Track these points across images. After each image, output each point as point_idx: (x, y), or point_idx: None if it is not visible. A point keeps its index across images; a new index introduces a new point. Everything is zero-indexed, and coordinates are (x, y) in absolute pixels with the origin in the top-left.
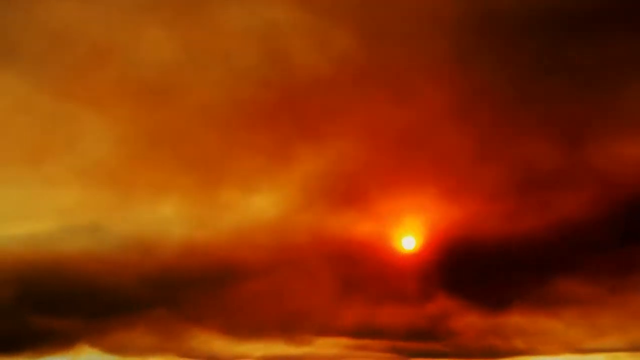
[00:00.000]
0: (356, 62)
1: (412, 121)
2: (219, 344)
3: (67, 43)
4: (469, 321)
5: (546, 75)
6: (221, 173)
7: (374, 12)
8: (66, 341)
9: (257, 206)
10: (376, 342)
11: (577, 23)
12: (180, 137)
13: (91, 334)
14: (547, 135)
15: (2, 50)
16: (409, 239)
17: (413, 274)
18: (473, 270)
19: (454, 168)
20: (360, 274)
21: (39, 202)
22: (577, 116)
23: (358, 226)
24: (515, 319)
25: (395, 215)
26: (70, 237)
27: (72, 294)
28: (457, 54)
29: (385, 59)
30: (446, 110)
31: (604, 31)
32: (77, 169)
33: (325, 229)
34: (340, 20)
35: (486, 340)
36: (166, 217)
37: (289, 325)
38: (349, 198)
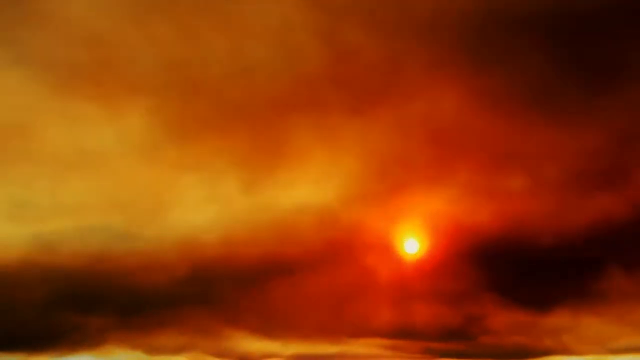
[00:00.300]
0: (368, 59)
1: (435, 117)
2: (250, 342)
3: (75, 40)
4: (503, 321)
5: (569, 71)
6: (244, 170)
7: (386, 8)
8: (97, 338)
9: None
10: (409, 342)
11: (599, 18)
12: (199, 133)
13: (122, 332)
14: (581, 131)
15: (10, 48)
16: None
17: (448, 274)
18: (509, 270)
19: (484, 164)
20: (395, 272)
21: (72, 198)
22: (614, 113)
23: (391, 223)
24: (552, 319)
25: (428, 212)
26: (102, 234)
27: (103, 292)
28: (472, 50)
29: (397, 55)
30: (465, 106)
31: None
32: (106, 166)
33: (360, 225)
34: (352, 17)
35: (520, 340)
36: (201, 213)
37: (321, 324)
38: (378, 195)
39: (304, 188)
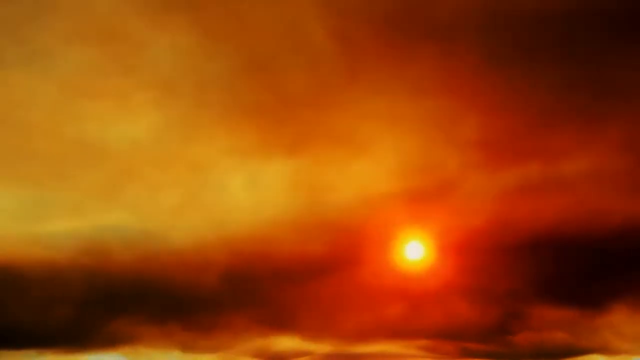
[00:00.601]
0: (377, 56)
1: (448, 114)
2: (283, 340)
3: (85, 37)
4: (543, 319)
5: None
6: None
7: (399, 6)
8: (133, 337)
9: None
10: (445, 342)
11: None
12: (210, 130)
13: (159, 330)
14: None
15: (19, 46)
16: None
17: (491, 271)
18: (553, 267)
19: (530, 157)
20: (433, 271)
21: (105, 196)
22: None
23: (429, 222)
24: (593, 317)
25: (468, 208)
26: (128, 233)
27: (141, 291)
28: (494, 48)
29: (405, 53)
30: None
31: None
32: (118, 163)
33: (397, 225)
34: (360, 14)
35: (559, 338)
36: (214, 213)
37: (356, 323)
38: (413, 194)
39: (332, 187)
